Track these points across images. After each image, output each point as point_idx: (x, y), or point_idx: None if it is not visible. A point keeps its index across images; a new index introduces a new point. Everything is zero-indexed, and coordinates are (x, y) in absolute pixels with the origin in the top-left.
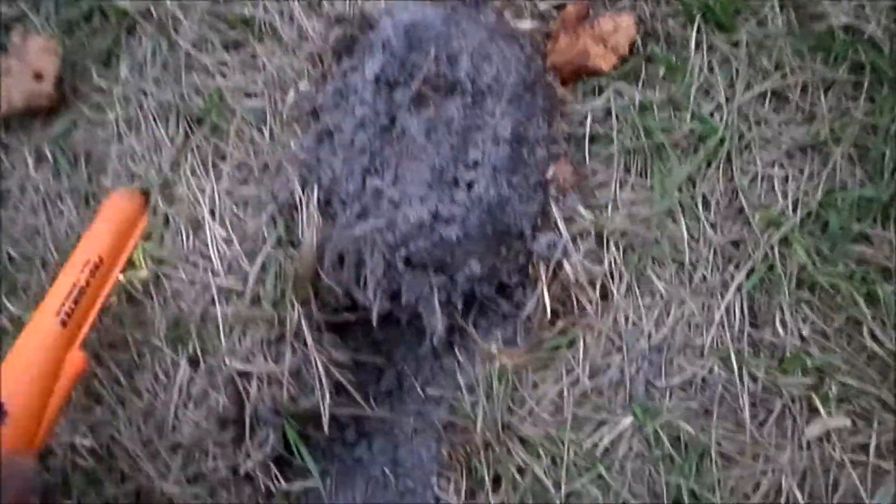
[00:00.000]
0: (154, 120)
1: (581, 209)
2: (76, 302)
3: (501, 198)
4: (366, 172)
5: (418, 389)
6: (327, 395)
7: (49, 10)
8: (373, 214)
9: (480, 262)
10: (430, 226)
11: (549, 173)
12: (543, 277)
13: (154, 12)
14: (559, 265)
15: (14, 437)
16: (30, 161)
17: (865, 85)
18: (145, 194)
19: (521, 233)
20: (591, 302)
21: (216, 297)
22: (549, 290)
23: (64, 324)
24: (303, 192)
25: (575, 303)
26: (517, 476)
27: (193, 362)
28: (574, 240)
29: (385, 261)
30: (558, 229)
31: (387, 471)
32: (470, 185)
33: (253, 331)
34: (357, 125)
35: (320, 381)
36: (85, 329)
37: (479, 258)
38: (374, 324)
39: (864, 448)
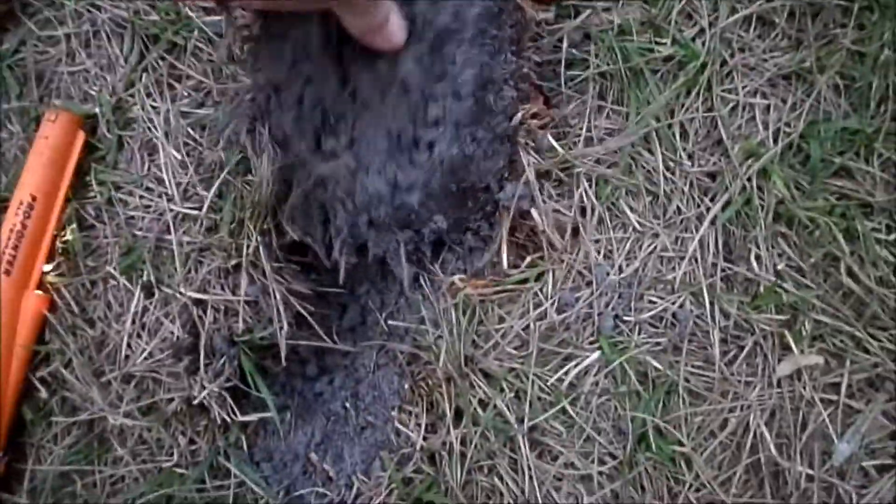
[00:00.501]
0: (108, 37)
1: (552, 142)
2: (16, 248)
3: (465, 156)
4: (318, 132)
5: (382, 323)
6: (285, 326)
7: None
8: (330, 180)
9: (445, 217)
10: (391, 195)
11: (518, 117)
12: (506, 225)
13: None
14: (526, 213)
15: None
16: None
17: (854, 11)
18: (81, 116)
19: (487, 187)
20: (560, 236)
21: (171, 224)
22: (515, 232)
23: (8, 273)
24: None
25: (544, 241)
26: (479, 410)
27: (147, 291)
28: (541, 182)
29: (348, 221)
30: (527, 179)
31: (347, 405)
32: (431, 146)
33: (209, 259)
34: (304, 82)
35: (278, 311)
36: (35, 271)
37: (444, 214)
38: (341, 282)
39: (836, 387)
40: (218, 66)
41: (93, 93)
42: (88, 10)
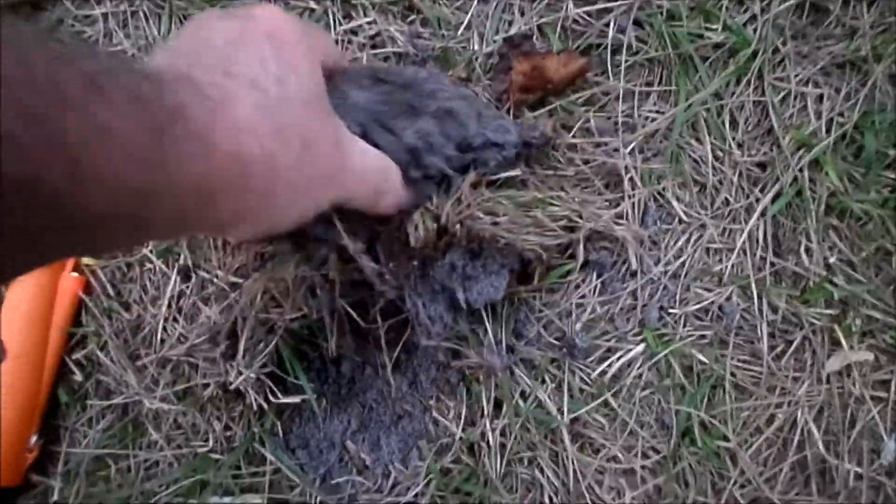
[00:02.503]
0: (145, 17)
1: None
2: None
3: None
4: None
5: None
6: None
7: None
8: None
9: None
10: None
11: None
12: None
13: None
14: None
15: (17, 374)
16: None
17: None
18: None
19: None
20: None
21: None
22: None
23: None
24: None
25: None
26: (520, 401)
27: (184, 275)
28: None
29: None
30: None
31: (384, 394)
32: None
33: (247, 244)
34: None
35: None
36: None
37: None
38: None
39: (886, 384)
40: None
41: None
42: None
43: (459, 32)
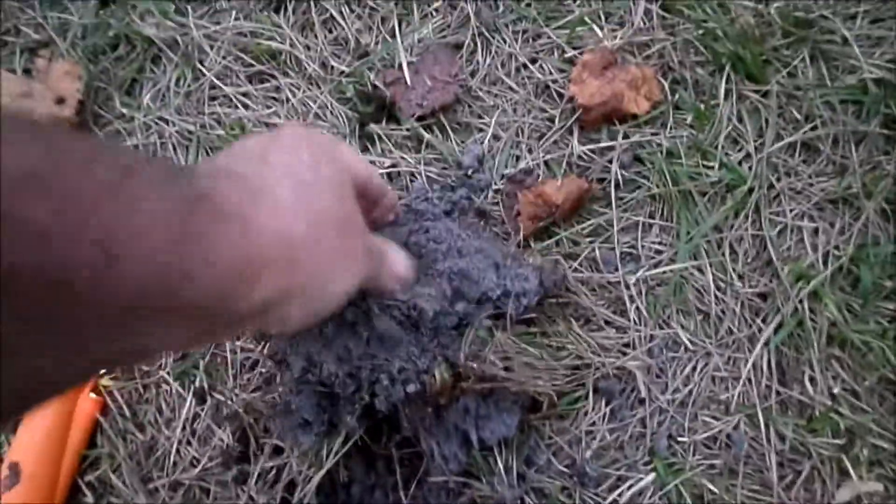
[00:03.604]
0: (174, 148)
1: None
2: None
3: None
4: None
5: (433, 444)
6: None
7: (76, 36)
8: None
9: None
10: None
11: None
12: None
13: (180, 42)
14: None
15: (31, 494)
16: None
17: None
18: None
19: None
20: (611, 352)
21: None
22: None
23: None
24: None
25: (595, 358)
26: None
27: (199, 397)
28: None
29: None
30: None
31: None
32: None
33: (261, 367)
34: None
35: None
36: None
37: None
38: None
39: None
40: None
41: None
42: (157, 123)
43: (473, 167)
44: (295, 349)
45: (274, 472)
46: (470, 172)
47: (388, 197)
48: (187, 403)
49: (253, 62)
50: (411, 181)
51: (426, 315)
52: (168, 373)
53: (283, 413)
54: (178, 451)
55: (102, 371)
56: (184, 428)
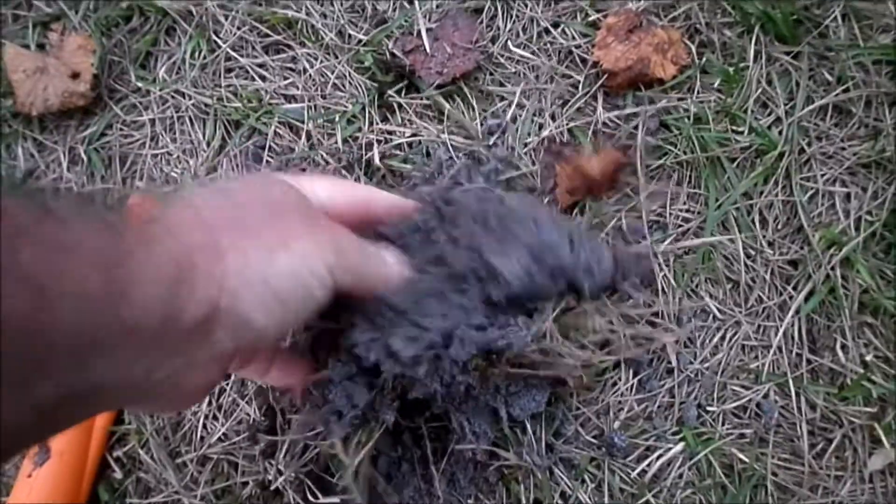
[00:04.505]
0: (191, 122)
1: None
2: None
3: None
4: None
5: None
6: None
7: (88, 8)
8: None
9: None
10: None
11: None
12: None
13: (194, 12)
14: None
15: (61, 470)
16: (64, 161)
17: None
18: None
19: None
20: (640, 322)
21: None
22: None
23: None
24: None
25: (624, 328)
26: (560, 501)
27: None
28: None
29: None
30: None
31: (421, 492)
32: None
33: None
34: None
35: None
36: None
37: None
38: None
39: None
40: (298, 153)
41: (175, 175)
42: (173, 96)
43: (495, 136)
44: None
45: (301, 445)
46: (494, 142)
47: (397, 207)
48: None
49: (269, 32)
50: (433, 151)
51: (506, 282)
52: None
53: (315, 403)
54: (204, 425)
55: (65, 427)
56: (210, 403)
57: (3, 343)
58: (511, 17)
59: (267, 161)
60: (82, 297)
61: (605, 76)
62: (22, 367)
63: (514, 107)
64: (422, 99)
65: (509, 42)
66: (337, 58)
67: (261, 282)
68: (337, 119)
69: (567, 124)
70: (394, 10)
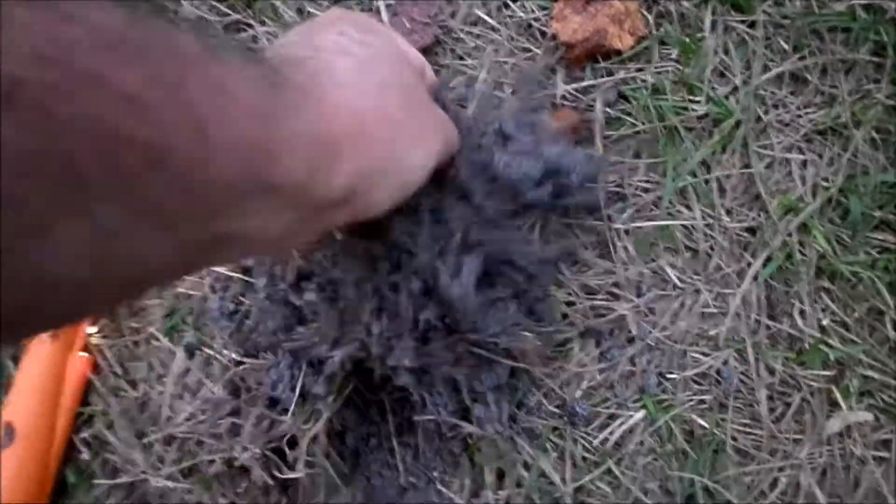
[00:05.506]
0: None
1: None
2: None
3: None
4: None
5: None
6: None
7: None
8: None
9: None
10: None
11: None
12: None
13: None
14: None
15: (27, 453)
16: None
17: (888, 66)
18: None
19: None
20: (600, 293)
21: (213, 286)
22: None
23: (55, 336)
24: None
25: (584, 296)
26: (523, 471)
27: (189, 353)
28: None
29: None
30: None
31: (389, 466)
32: None
33: (251, 321)
34: None
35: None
36: (80, 334)
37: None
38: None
39: (887, 444)
40: None
41: None
42: None
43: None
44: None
45: (268, 422)
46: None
47: (428, 72)
48: (177, 358)
49: (228, 11)
50: None
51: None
52: (158, 329)
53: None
54: (170, 405)
55: (198, 269)
56: (175, 383)
57: (167, 178)
58: None
59: None
60: (240, 146)
61: (564, 48)
62: (178, 207)
63: (473, 80)
64: None
65: (468, 17)
66: None
67: (396, 173)
68: None
69: (528, 98)
70: None
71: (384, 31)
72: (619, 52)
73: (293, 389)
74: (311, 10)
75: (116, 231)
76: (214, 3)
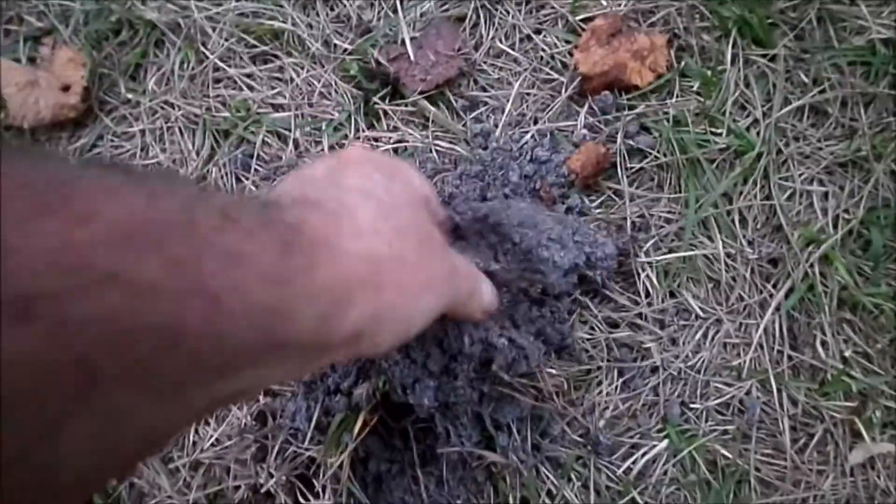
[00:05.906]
0: (180, 132)
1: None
2: None
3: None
4: None
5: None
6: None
7: (78, 22)
8: None
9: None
10: None
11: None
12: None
13: (182, 25)
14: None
15: None
16: None
17: None
18: None
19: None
20: (623, 323)
21: None
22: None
23: None
24: None
25: (607, 328)
26: (547, 500)
27: None
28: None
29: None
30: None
31: (412, 493)
32: None
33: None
34: None
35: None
36: None
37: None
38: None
39: None
40: (286, 161)
41: None
42: (162, 107)
43: (476, 141)
44: None
45: (293, 450)
46: (479, 146)
47: (442, 214)
48: None
49: (256, 43)
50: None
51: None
52: None
53: None
54: (196, 430)
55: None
56: None
57: (181, 355)
58: (493, 24)
59: (255, 170)
60: (253, 312)
61: (581, 79)
62: (189, 377)
63: (496, 112)
64: (407, 105)
65: (492, 49)
66: (323, 67)
67: (405, 319)
68: (324, 127)
69: (549, 127)
70: (378, 19)
71: (406, 175)
72: (636, 87)
73: (310, 420)
74: (337, 41)
75: (126, 411)
76: (243, 35)
